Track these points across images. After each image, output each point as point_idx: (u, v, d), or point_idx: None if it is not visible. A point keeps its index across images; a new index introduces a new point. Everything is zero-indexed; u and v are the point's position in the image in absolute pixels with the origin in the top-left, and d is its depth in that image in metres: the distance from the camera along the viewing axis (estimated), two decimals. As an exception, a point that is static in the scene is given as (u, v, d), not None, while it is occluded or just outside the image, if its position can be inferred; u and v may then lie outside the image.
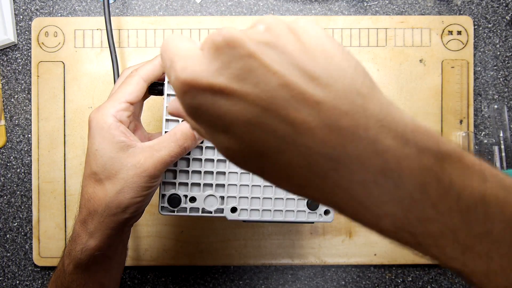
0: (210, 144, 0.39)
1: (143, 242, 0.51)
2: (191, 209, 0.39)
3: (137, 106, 0.39)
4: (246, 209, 0.40)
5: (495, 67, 0.53)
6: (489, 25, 0.53)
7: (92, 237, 0.36)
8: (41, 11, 0.52)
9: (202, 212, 0.40)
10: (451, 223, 0.19)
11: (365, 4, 0.53)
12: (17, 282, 0.52)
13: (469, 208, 0.19)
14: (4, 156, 0.52)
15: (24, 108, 0.52)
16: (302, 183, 0.20)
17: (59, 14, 0.52)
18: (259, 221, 0.40)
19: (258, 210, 0.40)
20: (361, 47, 0.52)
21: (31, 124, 0.51)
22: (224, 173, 0.40)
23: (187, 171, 0.39)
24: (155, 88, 0.38)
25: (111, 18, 0.47)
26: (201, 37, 0.52)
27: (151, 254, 0.51)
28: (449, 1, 0.53)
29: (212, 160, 0.39)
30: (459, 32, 0.52)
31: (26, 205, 0.52)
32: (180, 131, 0.36)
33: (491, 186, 0.19)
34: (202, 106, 0.20)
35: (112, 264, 0.39)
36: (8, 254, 0.52)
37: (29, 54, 0.52)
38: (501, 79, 0.53)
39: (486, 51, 0.53)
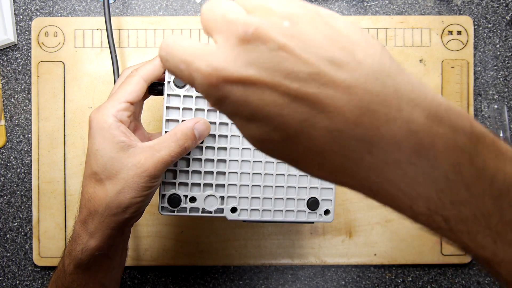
0: (210, 144, 0.39)
1: (143, 242, 0.51)
2: (191, 209, 0.39)
3: (137, 106, 0.39)
4: (246, 209, 0.40)
5: (495, 67, 0.53)
6: (489, 25, 0.53)
7: (93, 237, 0.36)
8: (41, 11, 0.52)
9: (202, 212, 0.40)
10: (484, 207, 0.19)
11: (365, 4, 0.53)
12: (17, 282, 0.52)
13: (502, 193, 0.19)
14: (4, 156, 0.52)
15: (24, 108, 0.52)
16: (336, 168, 0.20)
17: (59, 14, 0.52)
18: (259, 221, 0.40)
19: (258, 210, 0.40)
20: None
21: (31, 124, 0.51)
22: (224, 173, 0.40)
23: (187, 171, 0.39)
24: (155, 88, 0.38)
25: (111, 18, 0.47)
26: (201, 37, 0.52)
27: (151, 254, 0.51)
28: (449, 1, 0.53)
29: (212, 160, 0.39)
30: (459, 32, 0.52)
31: (26, 205, 0.52)
32: (181, 131, 0.36)
33: None
34: (232, 98, 0.20)
35: (112, 264, 0.39)
36: (8, 254, 0.52)
37: (29, 54, 0.52)
38: (501, 79, 0.53)
39: (486, 51, 0.53)
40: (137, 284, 0.52)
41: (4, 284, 0.52)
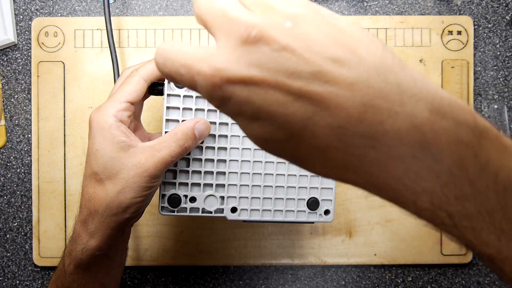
0: (210, 144, 0.39)
1: (143, 242, 0.51)
2: (191, 209, 0.39)
3: (137, 106, 0.39)
4: (246, 209, 0.40)
5: (495, 67, 0.53)
6: (489, 25, 0.53)
7: (93, 237, 0.36)
8: (41, 11, 0.52)
9: (202, 212, 0.40)
10: (488, 203, 0.19)
11: (365, 4, 0.53)
12: (17, 282, 0.52)
13: (506, 189, 0.19)
14: (4, 156, 0.52)
15: (24, 108, 0.52)
16: (340, 165, 0.20)
17: (59, 14, 0.52)
18: (259, 221, 0.40)
19: (258, 210, 0.40)
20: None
21: (31, 124, 0.51)
22: (224, 173, 0.40)
23: (187, 171, 0.39)
24: (155, 88, 0.38)
25: (111, 18, 0.47)
26: (201, 37, 0.52)
27: (151, 254, 0.51)
28: (449, 1, 0.53)
29: (212, 160, 0.39)
30: (459, 32, 0.52)
31: (26, 205, 0.52)
32: (181, 131, 0.36)
33: None
34: (235, 98, 0.20)
35: (112, 264, 0.39)
36: (8, 254, 0.52)
37: (29, 54, 0.52)
38: (501, 79, 0.53)
39: (486, 51, 0.53)
40: (137, 284, 0.52)
41: (4, 284, 0.52)
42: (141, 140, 0.37)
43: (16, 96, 0.52)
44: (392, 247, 0.52)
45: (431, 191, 0.19)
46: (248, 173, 0.40)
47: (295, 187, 0.40)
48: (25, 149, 0.52)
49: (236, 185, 0.40)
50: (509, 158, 0.19)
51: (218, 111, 0.39)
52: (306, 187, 0.40)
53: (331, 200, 0.41)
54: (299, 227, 0.52)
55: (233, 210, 0.40)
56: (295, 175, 0.40)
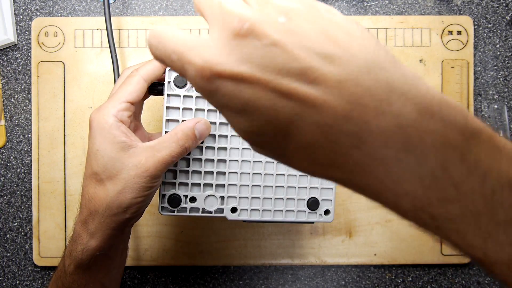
0: (210, 144, 0.39)
1: (143, 242, 0.51)
2: (191, 209, 0.39)
3: (137, 106, 0.39)
4: (246, 209, 0.40)
5: (495, 67, 0.53)
6: (489, 25, 0.53)
7: (93, 237, 0.36)
8: (41, 11, 0.52)
9: (202, 212, 0.40)
10: (473, 206, 0.19)
11: (365, 4, 0.53)
12: (17, 282, 0.52)
13: (495, 192, 0.18)
14: (4, 156, 0.52)
15: (24, 108, 0.52)
16: (324, 162, 0.20)
17: (59, 14, 0.52)
18: (259, 221, 0.40)
19: (258, 210, 0.40)
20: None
21: (31, 124, 0.51)
22: (224, 173, 0.40)
23: (187, 171, 0.39)
24: (155, 88, 0.38)
25: (111, 18, 0.47)
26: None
27: (151, 254, 0.51)
28: (449, 1, 0.53)
29: (212, 160, 0.39)
30: (459, 32, 0.52)
31: (26, 205, 0.52)
32: (181, 131, 0.36)
33: None
34: (223, 92, 0.20)
35: (113, 264, 0.39)
36: (8, 254, 0.52)
37: (29, 54, 0.52)
38: (501, 79, 0.53)
39: (486, 51, 0.53)
40: (137, 284, 0.52)
41: (4, 284, 0.52)
42: (141, 140, 0.37)
43: (16, 96, 0.52)
44: (392, 247, 0.52)
45: (413, 193, 0.19)
46: (248, 173, 0.40)
47: (295, 187, 0.40)
48: (25, 149, 0.52)
49: (236, 185, 0.40)
50: (500, 160, 0.19)
51: (218, 111, 0.39)
52: (306, 187, 0.40)
53: (331, 200, 0.41)
54: (299, 227, 0.52)
55: (233, 210, 0.40)
56: (295, 175, 0.40)
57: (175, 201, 0.39)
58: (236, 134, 0.39)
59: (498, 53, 0.53)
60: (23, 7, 0.52)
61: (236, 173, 0.40)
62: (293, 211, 0.40)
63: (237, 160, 0.39)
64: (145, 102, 0.40)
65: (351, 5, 0.53)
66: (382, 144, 0.18)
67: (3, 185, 0.52)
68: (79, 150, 0.51)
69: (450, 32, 0.52)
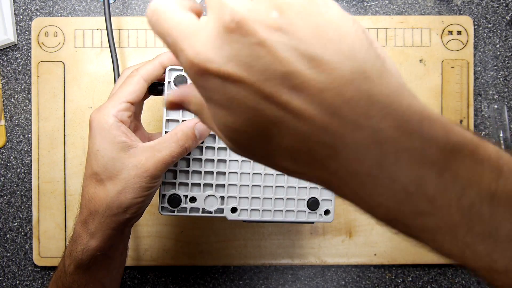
0: (210, 144, 0.39)
1: (143, 242, 0.51)
2: (191, 209, 0.39)
3: (137, 106, 0.39)
4: (246, 209, 0.40)
5: (495, 67, 0.53)
6: (489, 25, 0.53)
7: (93, 237, 0.35)
8: (41, 11, 0.52)
9: (202, 212, 0.40)
10: (449, 219, 0.18)
11: (365, 4, 0.53)
12: (17, 282, 0.52)
13: (473, 205, 0.18)
14: (4, 156, 0.52)
15: (24, 108, 0.52)
16: (303, 167, 0.20)
17: (59, 14, 0.52)
18: (259, 221, 0.40)
19: (258, 210, 0.40)
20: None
21: (31, 124, 0.51)
22: (224, 173, 0.40)
23: (187, 171, 0.39)
24: (155, 88, 0.38)
25: (111, 18, 0.47)
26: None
27: (151, 254, 0.51)
28: (449, 1, 0.53)
29: (212, 160, 0.39)
30: (459, 32, 0.52)
31: (26, 205, 0.52)
32: (181, 131, 0.36)
33: (505, 183, 0.18)
34: (212, 88, 0.20)
35: (113, 264, 0.39)
36: (8, 254, 0.52)
37: (29, 54, 0.52)
38: (501, 79, 0.53)
39: (486, 51, 0.53)
40: (137, 284, 0.52)
41: (4, 284, 0.52)
42: (141, 140, 0.37)
43: (16, 96, 0.52)
44: (392, 247, 0.52)
45: (386, 206, 0.19)
46: (248, 173, 0.40)
47: (295, 187, 0.40)
48: (25, 149, 0.52)
49: (236, 185, 0.40)
50: (482, 173, 0.18)
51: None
52: (306, 187, 0.40)
53: (331, 200, 0.41)
54: (299, 227, 0.52)
55: (233, 210, 0.40)
56: (295, 175, 0.40)
57: (175, 201, 0.39)
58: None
59: (498, 53, 0.53)
60: (23, 7, 0.52)
61: (236, 173, 0.40)
62: (293, 211, 0.40)
63: (237, 160, 0.39)
64: (145, 102, 0.40)
65: (351, 5, 0.53)
66: (357, 159, 0.18)
67: (3, 185, 0.52)
68: (79, 150, 0.51)
69: (450, 32, 0.52)
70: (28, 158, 0.52)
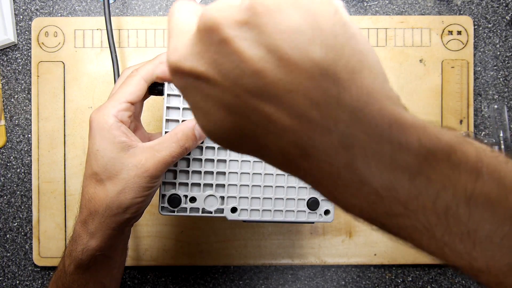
0: (210, 144, 0.39)
1: (143, 242, 0.51)
2: (191, 209, 0.39)
3: (137, 106, 0.39)
4: (246, 209, 0.40)
5: (495, 67, 0.53)
6: (489, 25, 0.53)
7: (93, 237, 0.35)
8: (41, 11, 0.52)
9: (202, 212, 0.40)
10: (425, 220, 0.18)
11: (365, 4, 0.53)
12: (17, 282, 0.52)
13: (449, 208, 0.18)
14: (4, 156, 0.52)
15: (24, 108, 0.52)
16: (282, 164, 0.20)
17: (59, 14, 0.52)
18: (259, 221, 0.40)
19: (258, 210, 0.40)
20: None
21: (31, 124, 0.51)
22: (224, 173, 0.40)
23: (187, 171, 0.39)
24: (155, 88, 0.38)
25: (111, 18, 0.47)
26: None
27: (151, 254, 0.51)
28: (449, 1, 0.53)
29: (212, 160, 0.39)
30: (459, 32, 0.52)
31: (26, 205, 0.52)
32: (181, 131, 0.36)
33: (482, 185, 0.18)
34: (187, 88, 0.20)
35: (113, 264, 0.39)
36: (8, 254, 0.52)
37: (29, 54, 0.52)
38: (501, 79, 0.53)
39: (486, 51, 0.53)
40: (137, 284, 0.52)
41: (4, 284, 0.52)
42: (141, 140, 0.37)
43: (16, 96, 0.52)
44: (392, 247, 0.52)
45: (360, 206, 0.19)
46: (248, 173, 0.40)
47: (295, 187, 0.40)
48: (25, 149, 0.52)
49: (236, 185, 0.40)
50: (458, 176, 0.18)
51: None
52: (306, 187, 0.40)
53: (331, 200, 0.41)
54: (299, 227, 0.52)
55: (233, 210, 0.40)
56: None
57: (175, 201, 0.39)
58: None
59: (498, 53, 0.53)
60: (23, 7, 0.52)
61: (236, 173, 0.40)
62: (293, 211, 0.40)
63: (237, 160, 0.39)
64: (145, 102, 0.40)
65: (351, 5, 0.53)
66: (327, 161, 0.18)
67: (3, 185, 0.52)
68: (79, 150, 0.51)
69: (450, 32, 0.52)
70: (28, 158, 0.52)
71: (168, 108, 0.38)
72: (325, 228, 0.52)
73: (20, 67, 0.52)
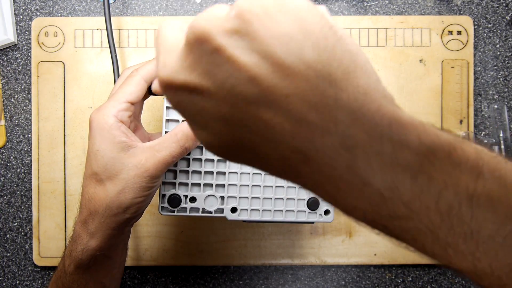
0: (210, 144, 0.39)
1: (143, 242, 0.51)
2: (191, 209, 0.39)
3: (137, 106, 0.39)
4: (246, 209, 0.40)
5: (495, 67, 0.53)
6: (489, 25, 0.53)
7: (93, 237, 0.36)
8: (41, 11, 0.52)
9: (202, 212, 0.40)
10: (428, 221, 0.18)
11: (365, 4, 0.53)
12: (17, 282, 0.52)
13: (452, 208, 0.18)
14: (4, 156, 0.52)
15: (24, 108, 0.52)
16: (282, 171, 0.20)
17: (59, 14, 0.52)
18: (259, 221, 0.40)
19: (258, 210, 0.40)
20: (361, 47, 0.52)
21: (31, 124, 0.51)
22: (224, 173, 0.40)
23: (187, 171, 0.39)
24: (155, 88, 0.38)
25: (111, 18, 0.47)
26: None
27: (151, 254, 0.51)
28: (449, 1, 0.53)
29: (212, 160, 0.39)
30: (459, 32, 0.52)
31: (26, 205, 0.52)
32: (181, 131, 0.36)
33: (484, 184, 0.18)
34: (181, 103, 0.20)
35: (113, 264, 0.39)
36: (8, 254, 0.52)
37: (29, 54, 0.52)
38: (501, 79, 0.53)
39: (486, 51, 0.53)
40: (137, 284, 0.52)
41: (4, 284, 0.52)
42: (141, 140, 0.37)
43: (16, 96, 0.52)
44: (392, 247, 0.52)
45: (363, 209, 0.19)
46: (248, 173, 0.40)
47: (295, 187, 0.40)
48: (25, 149, 0.52)
49: (236, 185, 0.40)
50: (459, 175, 0.18)
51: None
52: (306, 187, 0.40)
53: (331, 200, 0.41)
54: (299, 227, 0.52)
55: (233, 210, 0.40)
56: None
57: (175, 201, 0.39)
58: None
59: (498, 53, 0.53)
60: (23, 7, 0.52)
61: (236, 173, 0.40)
62: (293, 211, 0.40)
63: (237, 160, 0.39)
64: (145, 102, 0.40)
65: (351, 5, 0.53)
66: (328, 164, 0.18)
67: (3, 185, 0.52)
68: (79, 150, 0.51)
69: (450, 32, 0.52)
70: (28, 158, 0.52)
71: (168, 108, 0.38)
72: (325, 228, 0.52)
73: (20, 67, 0.52)
